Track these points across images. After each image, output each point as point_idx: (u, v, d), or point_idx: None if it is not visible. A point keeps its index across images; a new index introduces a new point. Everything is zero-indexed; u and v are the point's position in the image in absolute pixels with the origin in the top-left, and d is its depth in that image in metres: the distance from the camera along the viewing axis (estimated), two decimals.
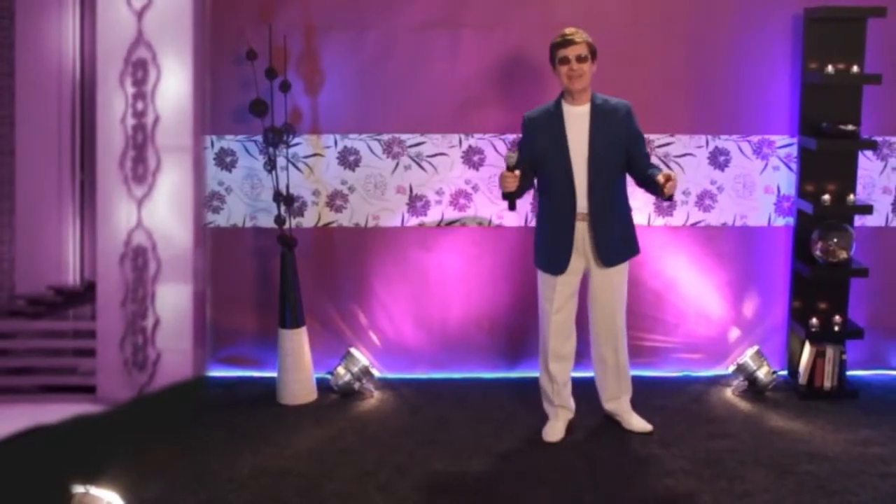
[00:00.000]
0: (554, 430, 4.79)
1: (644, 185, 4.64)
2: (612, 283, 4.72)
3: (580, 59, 4.51)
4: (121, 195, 5.04)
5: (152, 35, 5.00)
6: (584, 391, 5.08)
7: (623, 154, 4.60)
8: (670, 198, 4.51)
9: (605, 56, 4.73)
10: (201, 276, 5.24)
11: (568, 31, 4.57)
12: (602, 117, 4.58)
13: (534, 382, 5.03)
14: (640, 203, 5.40)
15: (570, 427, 4.85)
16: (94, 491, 3.76)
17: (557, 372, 4.78)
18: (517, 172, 4.45)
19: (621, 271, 4.74)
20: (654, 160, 5.32)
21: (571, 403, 4.87)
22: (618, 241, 4.68)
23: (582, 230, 4.60)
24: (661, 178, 4.37)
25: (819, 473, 4.43)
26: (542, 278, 4.74)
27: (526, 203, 5.51)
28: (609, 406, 4.95)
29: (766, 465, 4.52)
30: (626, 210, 4.75)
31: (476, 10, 5.42)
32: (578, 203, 4.57)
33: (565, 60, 4.52)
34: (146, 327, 5.03)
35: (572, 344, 4.81)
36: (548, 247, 4.69)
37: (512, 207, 4.53)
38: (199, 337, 5.24)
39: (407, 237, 5.57)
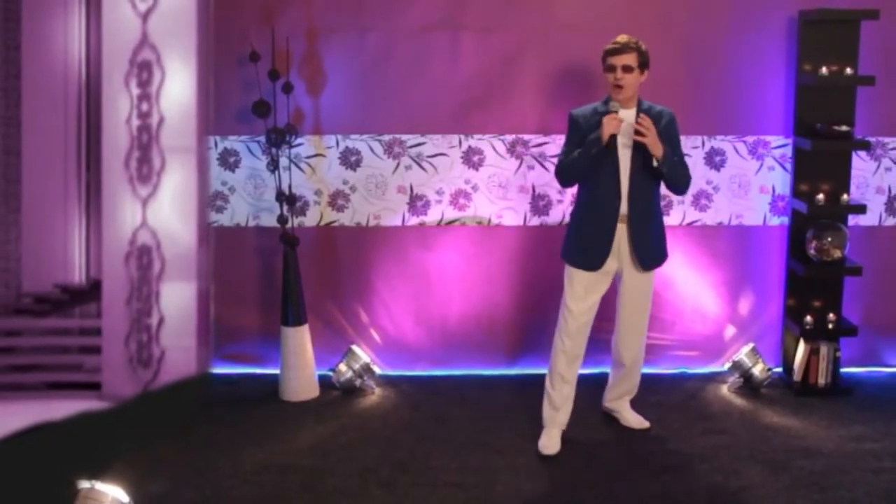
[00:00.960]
0: (551, 443, 4.65)
1: (662, 179, 4.59)
2: (642, 287, 4.68)
3: (626, 69, 4.45)
4: (126, 195, 5.03)
5: (157, 37, 4.99)
6: (580, 388, 5.08)
7: None
8: (660, 161, 4.43)
9: (601, 58, 4.72)
10: (205, 275, 5.24)
11: (620, 38, 4.52)
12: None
13: (532, 379, 5.04)
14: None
15: (563, 434, 4.72)
16: (100, 486, 3.76)
17: (570, 374, 4.68)
18: (627, 118, 4.44)
19: (651, 277, 4.71)
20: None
21: (569, 412, 4.74)
22: (654, 246, 4.65)
23: (621, 231, 4.55)
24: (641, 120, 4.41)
25: (813, 469, 4.43)
26: (572, 275, 4.63)
27: (524, 204, 5.51)
28: (610, 404, 4.95)
29: (761, 460, 4.53)
30: (661, 216, 4.72)
31: (475, 12, 5.41)
32: (621, 204, 4.52)
33: (612, 68, 4.48)
34: (151, 325, 5.03)
35: (584, 347, 4.71)
36: (585, 244, 4.60)
37: (607, 146, 4.43)
38: (203, 334, 5.23)
39: (407, 236, 5.56)
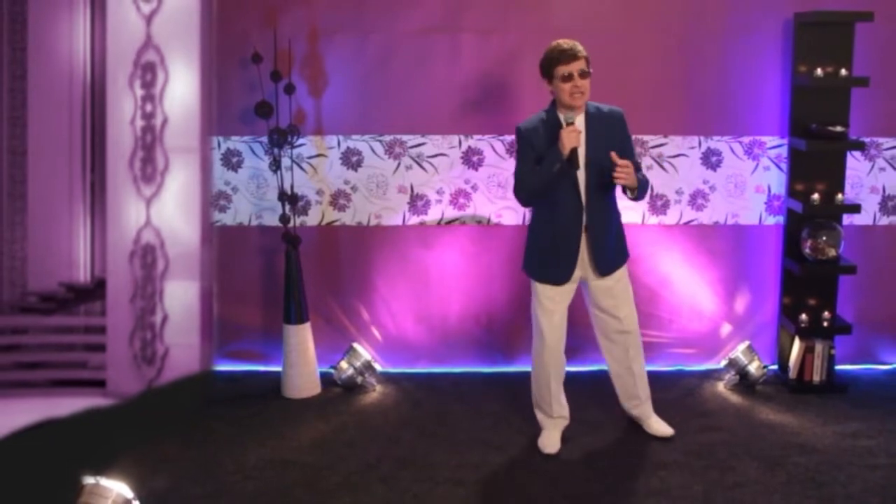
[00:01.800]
0: (551, 442, 4.64)
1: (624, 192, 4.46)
2: (612, 289, 4.55)
3: (583, 75, 4.27)
4: (130, 194, 5.03)
5: (161, 39, 4.99)
6: (578, 385, 5.08)
7: None
8: (634, 193, 4.33)
9: (600, 59, 4.72)
10: (208, 273, 5.23)
11: (566, 44, 4.31)
12: (597, 126, 4.39)
13: (531, 376, 5.01)
14: (634, 202, 5.39)
15: (563, 431, 4.72)
16: (104, 482, 3.76)
17: (557, 383, 4.64)
18: (579, 127, 4.28)
19: (622, 276, 4.57)
20: (646, 162, 5.32)
21: (566, 410, 4.72)
22: (613, 250, 4.52)
23: (583, 242, 4.44)
24: (615, 159, 4.22)
25: (809, 465, 4.43)
26: (541, 290, 4.51)
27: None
28: (635, 411, 4.81)
29: (757, 457, 4.52)
30: (619, 218, 4.58)
31: (475, 15, 5.41)
32: (583, 216, 4.39)
33: (569, 77, 4.25)
34: (155, 323, 5.02)
35: (563, 352, 4.64)
36: (550, 257, 4.48)
37: (576, 167, 4.27)
38: (207, 332, 5.22)
39: (408, 235, 5.56)
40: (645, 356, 4.79)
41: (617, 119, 4.45)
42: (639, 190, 4.37)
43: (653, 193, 5.45)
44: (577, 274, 4.50)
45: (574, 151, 4.25)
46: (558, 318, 4.54)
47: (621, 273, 4.58)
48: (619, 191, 4.51)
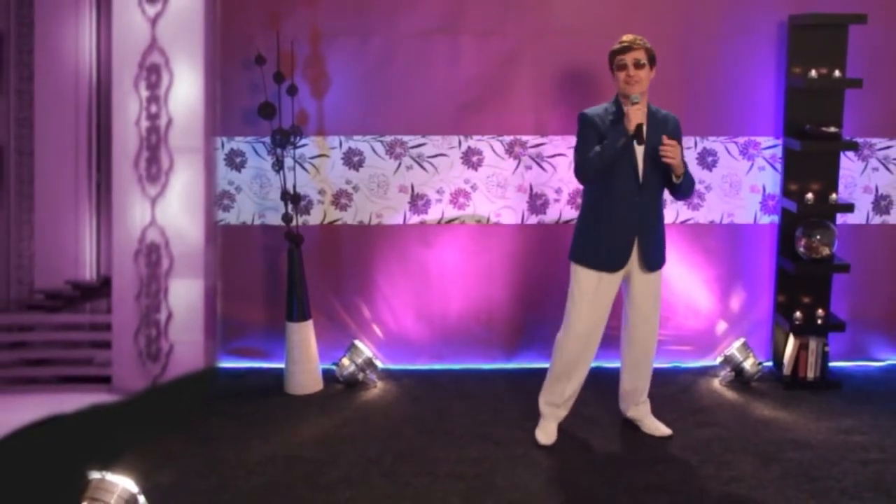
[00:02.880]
0: (548, 433, 4.65)
1: (670, 188, 4.51)
2: (651, 287, 4.56)
3: (637, 65, 4.35)
4: (135, 194, 5.03)
5: (165, 41, 4.99)
6: None
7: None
8: (680, 178, 4.36)
9: (599, 61, 4.72)
10: (212, 272, 5.23)
11: (627, 37, 4.43)
12: (656, 125, 4.44)
13: (530, 373, 5.03)
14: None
15: (560, 426, 4.72)
16: (110, 477, 3.76)
17: (580, 379, 4.62)
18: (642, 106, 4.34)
19: (659, 277, 4.59)
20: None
21: (569, 406, 4.71)
22: (659, 247, 4.55)
23: (636, 232, 4.45)
24: (664, 140, 4.29)
25: (803, 460, 4.43)
26: (586, 278, 4.48)
27: (522, 203, 5.51)
28: (631, 413, 4.80)
29: (751, 452, 4.52)
30: (664, 218, 4.61)
31: (475, 17, 5.41)
32: (639, 203, 4.42)
33: (623, 66, 4.38)
34: (159, 320, 5.02)
35: (595, 348, 4.60)
36: (602, 245, 4.46)
37: (641, 142, 4.31)
38: (210, 329, 5.22)
39: (409, 234, 5.56)
40: None
41: (672, 123, 4.52)
42: (684, 178, 4.39)
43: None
44: (626, 267, 4.49)
45: (639, 128, 4.31)
46: (593, 309, 4.49)
47: (661, 274, 4.62)
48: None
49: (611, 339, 4.91)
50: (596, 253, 4.48)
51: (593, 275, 4.48)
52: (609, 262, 4.46)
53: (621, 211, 4.43)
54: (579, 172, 4.47)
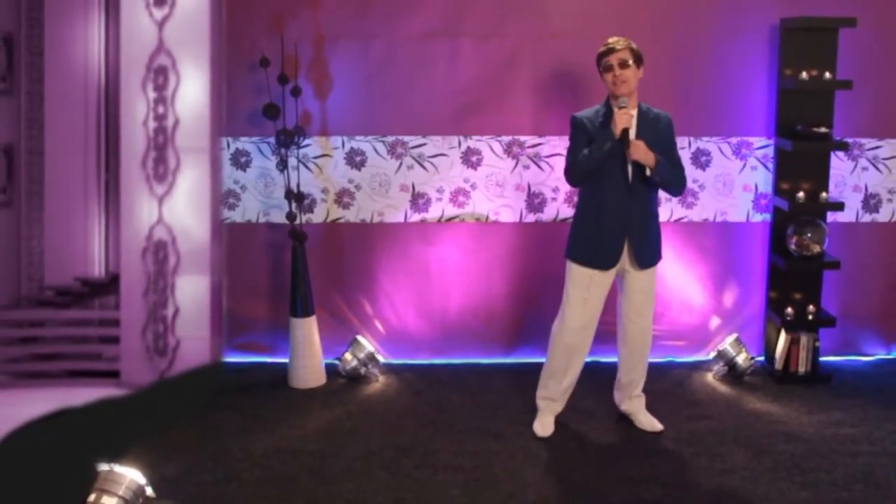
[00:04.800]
0: (545, 426, 4.66)
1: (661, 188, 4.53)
2: (644, 284, 4.55)
3: (623, 65, 4.35)
4: (143, 193, 5.03)
5: (172, 44, 4.99)
6: None
7: None
8: (652, 171, 4.35)
9: (595, 63, 4.71)
10: (218, 269, 5.23)
11: (611, 39, 4.43)
12: (647, 124, 4.45)
13: (528, 367, 5.03)
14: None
15: (557, 420, 4.72)
16: (118, 469, 3.76)
17: (575, 372, 4.63)
18: (630, 110, 4.36)
19: (653, 274, 4.58)
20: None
21: (565, 399, 4.72)
22: (652, 245, 4.54)
23: (628, 230, 4.44)
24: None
25: (794, 453, 4.43)
26: (579, 275, 4.49)
27: (521, 202, 5.51)
28: (625, 407, 4.79)
29: (744, 444, 4.52)
30: (658, 219, 4.61)
31: (474, 20, 5.41)
32: (630, 201, 4.41)
33: (609, 67, 4.38)
34: (167, 316, 5.02)
35: (590, 342, 4.61)
36: (594, 244, 4.46)
37: (627, 146, 4.30)
38: (216, 325, 5.22)
39: (409, 232, 5.56)
40: None
41: (664, 122, 4.51)
42: (660, 174, 4.37)
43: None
44: (619, 265, 4.49)
45: (625, 132, 4.31)
46: (587, 305, 4.50)
47: (655, 271, 4.60)
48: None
49: (607, 333, 4.92)
50: (589, 251, 4.49)
51: (586, 272, 4.48)
52: (601, 260, 4.47)
53: (612, 211, 4.43)
54: (569, 175, 4.49)
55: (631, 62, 4.39)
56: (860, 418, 4.85)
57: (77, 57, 5.37)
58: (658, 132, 4.46)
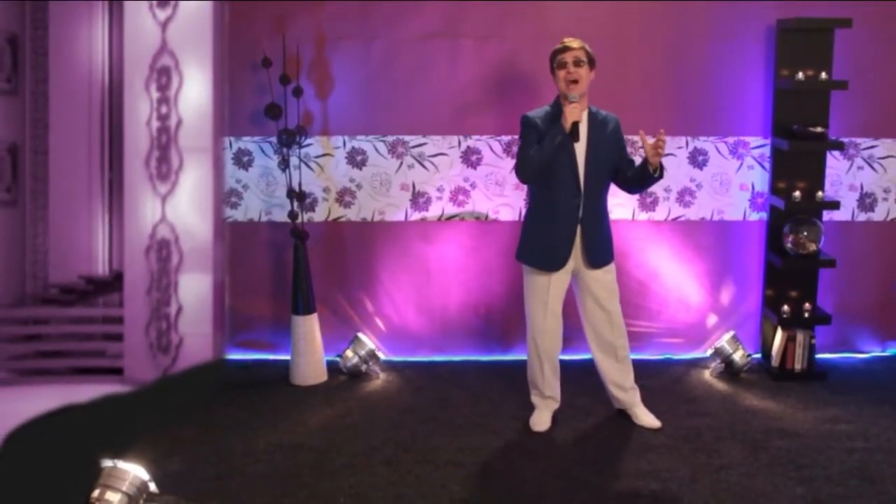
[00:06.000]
0: (541, 420, 4.67)
1: (634, 179, 4.49)
2: (603, 282, 4.54)
3: (577, 64, 4.37)
4: (146, 192, 5.04)
5: (175, 44, 4.99)
6: (570, 373, 5.09)
7: (611, 163, 4.49)
8: (659, 173, 4.37)
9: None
10: (220, 267, 5.24)
11: (567, 39, 4.46)
12: (597, 126, 4.46)
13: (526, 364, 5.01)
14: (624, 199, 5.40)
15: (555, 416, 4.74)
16: (122, 464, 3.76)
17: (551, 368, 4.64)
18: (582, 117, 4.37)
19: (611, 271, 4.58)
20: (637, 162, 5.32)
21: (559, 394, 4.73)
22: (603, 245, 4.54)
23: (578, 230, 4.45)
24: (649, 140, 4.32)
25: (790, 449, 4.43)
26: (534, 279, 4.52)
27: (519, 200, 5.51)
28: (621, 403, 4.78)
29: (741, 441, 4.53)
30: (609, 219, 4.61)
31: (474, 21, 5.41)
32: (580, 202, 4.41)
33: (563, 64, 4.39)
34: (170, 314, 5.03)
35: (560, 339, 4.64)
36: (545, 245, 4.48)
37: (576, 139, 4.32)
38: (219, 323, 5.23)
39: (410, 231, 5.56)
40: (635, 345, 4.78)
41: (613, 124, 4.52)
42: (661, 170, 4.42)
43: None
44: (571, 264, 4.49)
45: (575, 125, 4.32)
46: (549, 306, 4.52)
47: (611, 268, 4.59)
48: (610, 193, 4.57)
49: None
50: (538, 252, 4.51)
51: (543, 279, 4.50)
52: (553, 260, 4.48)
53: (562, 211, 4.44)
54: (520, 171, 4.45)
55: (585, 61, 4.41)
56: (856, 415, 4.85)
57: (81, 58, 5.38)
58: (607, 133, 4.48)
